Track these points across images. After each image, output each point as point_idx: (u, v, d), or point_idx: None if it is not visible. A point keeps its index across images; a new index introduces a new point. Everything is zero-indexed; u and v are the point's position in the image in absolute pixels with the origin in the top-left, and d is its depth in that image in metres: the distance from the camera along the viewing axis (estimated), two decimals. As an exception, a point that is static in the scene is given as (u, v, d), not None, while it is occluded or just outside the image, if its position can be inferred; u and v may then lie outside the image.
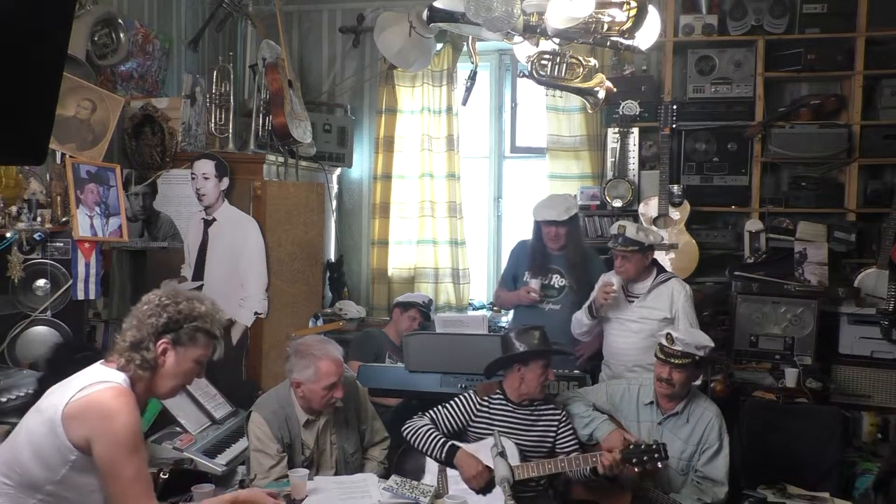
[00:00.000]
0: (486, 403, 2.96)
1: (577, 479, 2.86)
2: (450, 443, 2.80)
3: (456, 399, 2.99)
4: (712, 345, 2.98)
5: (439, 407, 2.97)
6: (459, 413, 2.94)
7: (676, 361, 2.87)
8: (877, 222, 4.29)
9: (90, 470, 1.91)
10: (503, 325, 4.38)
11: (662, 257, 4.27)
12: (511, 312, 4.23)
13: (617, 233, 3.45)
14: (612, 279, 3.47)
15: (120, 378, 1.96)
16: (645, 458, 2.69)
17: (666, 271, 3.61)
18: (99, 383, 1.92)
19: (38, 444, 1.89)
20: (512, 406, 2.94)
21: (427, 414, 2.95)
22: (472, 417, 2.94)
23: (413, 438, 2.85)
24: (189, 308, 2.04)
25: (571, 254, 3.84)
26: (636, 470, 2.71)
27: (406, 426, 2.90)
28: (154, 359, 2.00)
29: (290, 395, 2.84)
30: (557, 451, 2.93)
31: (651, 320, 3.43)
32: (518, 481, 2.62)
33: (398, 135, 4.99)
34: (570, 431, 2.96)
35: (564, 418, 2.97)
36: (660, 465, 2.73)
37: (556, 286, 3.89)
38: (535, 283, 3.84)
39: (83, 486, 1.92)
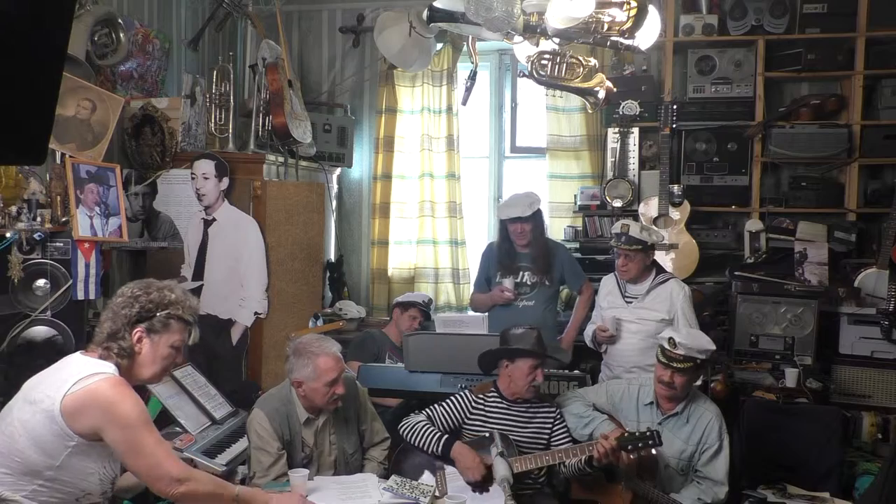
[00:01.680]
0: (481, 401, 2.96)
1: (574, 475, 2.85)
2: (446, 436, 2.81)
3: (452, 398, 3.00)
4: (714, 347, 2.97)
5: (435, 405, 2.98)
6: (455, 411, 2.95)
7: (678, 365, 2.86)
8: (877, 222, 4.29)
9: (89, 454, 2.01)
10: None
11: (662, 257, 4.27)
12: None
13: (620, 231, 3.47)
14: (605, 324, 3.51)
15: (111, 369, 2.05)
16: (640, 444, 2.69)
17: (665, 272, 3.61)
18: (94, 375, 2.01)
19: (36, 434, 1.97)
20: (507, 403, 2.95)
21: (423, 412, 2.96)
22: (468, 415, 2.95)
23: (410, 435, 2.85)
24: (160, 297, 2.15)
25: (535, 249, 3.89)
26: (631, 457, 2.72)
27: (403, 424, 2.91)
28: (130, 347, 2.10)
29: (292, 394, 2.84)
30: (552, 449, 2.93)
31: (649, 321, 3.44)
32: (516, 475, 2.62)
33: (398, 135, 4.99)
34: (565, 430, 2.97)
35: (559, 417, 2.98)
36: (654, 451, 2.73)
37: (529, 283, 3.93)
38: (508, 283, 3.89)
39: (81, 470, 2.02)
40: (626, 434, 2.74)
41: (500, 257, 3.97)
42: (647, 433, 2.72)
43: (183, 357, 2.28)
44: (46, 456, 1.96)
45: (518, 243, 3.90)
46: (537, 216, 3.90)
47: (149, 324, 2.11)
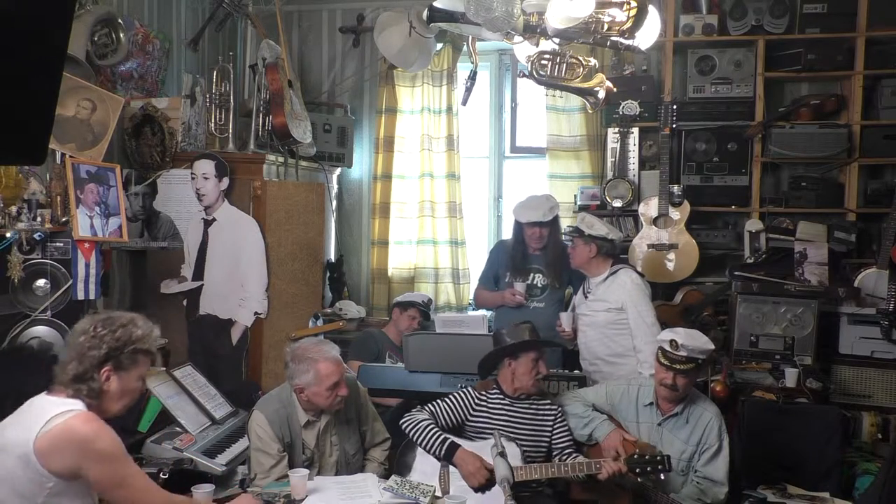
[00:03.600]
0: (484, 398, 2.96)
1: (575, 480, 2.86)
2: (450, 440, 2.79)
3: (454, 394, 3.00)
4: (713, 346, 2.97)
5: (438, 401, 2.97)
6: (458, 408, 2.95)
7: (681, 367, 2.86)
8: (877, 222, 4.29)
9: (67, 493, 1.98)
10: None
11: (661, 257, 4.28)
12: (493, 312, 4.21)
13: None
14: (561, 318, 3.60)
15: (81, 405, 2.02)
16: (648, 468, 2.69)
17: (621, 263, 3.63)
18: (65, 413, 1.97)
19: (12, 479, 1.93)
20: (509, 401, 2.95)
21: (426, 407, 2.94)
22: (471, 412, 2.95)
23: (412, 432, 2.84)
24: (126, 334, 2.10)
25: (551, 252, 3.90)
26: (638, 480, 2.72)
27: (405, 419, 2.89)
28: (99, 387, 2.06)
29: (292, 396, 2.84)
30: (553, 446, 2.93)
31: (599, 312, 3.48)
32: (518, 482, 2.62)
33: (398, 135, 4.99)
34: (566, 428, 2.97)
35: (560, 414, 2.98)
36: (662, 476, 2.73)
37: (539, 285, 3.93)
38: (519, 287, 3.88)
39: None
40: (636, 456, 2.74)
41: (513, 258, 3.95)
42: (658, 458, 2.71)
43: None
44: (25, 500, 1.93)
45: (533, 246, 3.90)
46: (556, 221, 3.91)
47: (116, 362, 2.07)
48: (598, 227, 3.51)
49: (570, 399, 3.12)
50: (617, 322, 3.42)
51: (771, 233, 4.34)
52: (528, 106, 5.10)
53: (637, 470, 2.69)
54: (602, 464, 2.71)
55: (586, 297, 3.58)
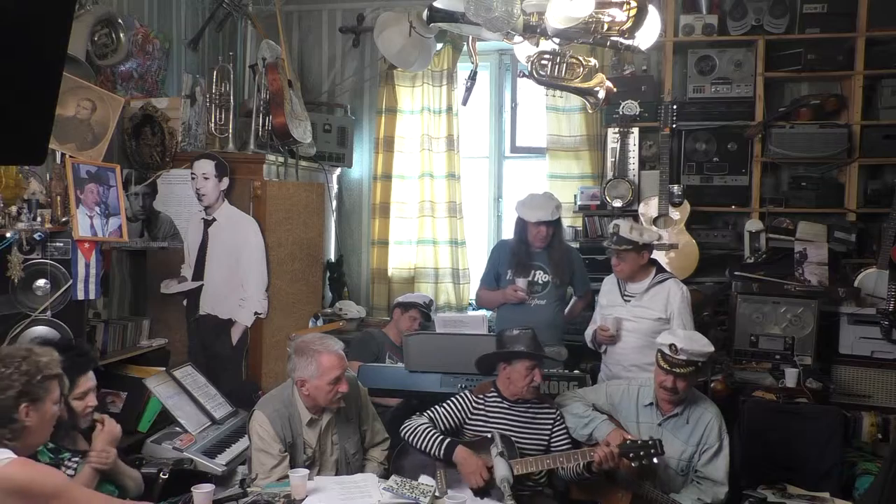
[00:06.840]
0: (481, 401, 2.96)
1: (573, 479, 2.86)
2: (448, 440, 2.80)
3: (452, 398, 3.00)
4: (713, 349, 2.97)
5: (436, 406, 2.98)
6: (456, 412, 2.95)
7: (680, 370, 2.86)
8: (877, 222, 4.29)
9: None
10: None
11: (661, 257, 4.27)
12: (495, 311, 4.21)
13: (612, 231, 3.49)
14: (606, 324, 3.51)
15: (9, 453, 2.00)
16: (641, 452, 2.69)
17: (665, 271, 3.61)
18: None
19: None
20: (507, 404, 2.95)
21: (425, 413, 2.95)
22: (469, 415, 2.95)
23: (412, 437, 2.85)
24: (33, 365, 2.10)
25: (554, 251, 3.90)
26: (633, 465, 2.72)
27: (404, 426, 2.90)
28: (21, 426, 2.07)
29: (294, 395, 2.84)
30: (552, 450, 2.93)
31: (645, 320, 3.45)
32: (516, 477, 2.62)
33: (398, 135, 4.99)
34: (565, 431, 2.97)
35: (559, 418, 2.98)
36: (655, 460, 2.73)
37: (541, 282, 3.93)
38: (521, 283, 3.88)
39: None
40: (628, 441, 2.74)
41: (516, 255, 3.95)
42: (650, 442, 2.72)
43: (62, 409, 2.25)
44: None
45: (537, 245, 3.90)
46: (559, 220, 3.92)
47: (31, 396, 2.08)
48: (648, 234, 3.50)
49: (571, 399, 3.12)
50: (661, 332, 3.39)
51: (771, 233, 4.34)
52: (528, 106, 5.10)
53: (630, 455, 2.69)
54: (595, 450, 2.72)
55: (626, 302, 3.53)
